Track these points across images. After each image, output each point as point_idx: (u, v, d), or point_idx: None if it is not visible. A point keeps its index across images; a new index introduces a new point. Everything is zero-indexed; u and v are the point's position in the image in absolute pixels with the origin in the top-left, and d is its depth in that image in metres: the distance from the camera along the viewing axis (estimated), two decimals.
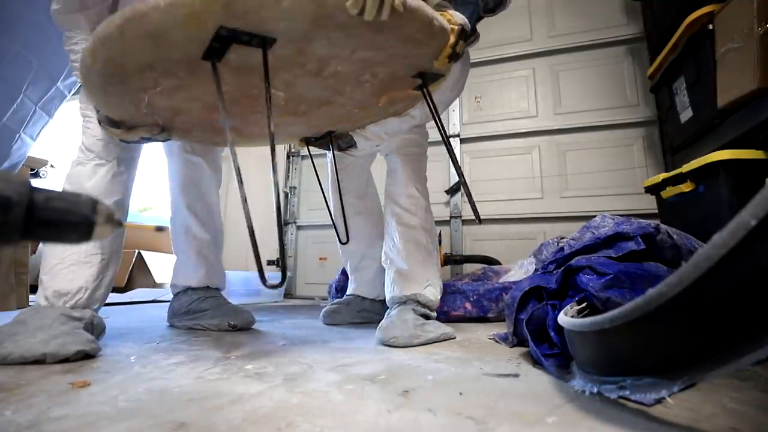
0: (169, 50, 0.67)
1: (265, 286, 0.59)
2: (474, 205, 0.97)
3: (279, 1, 0.61)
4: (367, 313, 1.36)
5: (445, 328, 1.04)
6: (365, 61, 0.83)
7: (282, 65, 0.79)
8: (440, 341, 1.00)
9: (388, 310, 1.09)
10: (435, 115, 0.98)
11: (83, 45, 0.94)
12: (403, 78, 0.94)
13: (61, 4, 0.90)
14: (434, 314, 1.10)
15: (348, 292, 1.43)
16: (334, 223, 1.33)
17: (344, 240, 1.28)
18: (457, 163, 0.97)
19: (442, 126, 1.00)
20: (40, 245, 2.56)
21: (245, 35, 0.66)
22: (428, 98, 0.95)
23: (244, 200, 0.66)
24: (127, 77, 0.73)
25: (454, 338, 1.05)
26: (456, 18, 0.85)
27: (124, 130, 0.92)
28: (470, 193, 0.97)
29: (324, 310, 1.36)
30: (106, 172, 0.95)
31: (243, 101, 0.91)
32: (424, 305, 1.08)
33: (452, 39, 0.84)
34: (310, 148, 1.27)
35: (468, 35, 0.87)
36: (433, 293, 1.11)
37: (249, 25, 0.65)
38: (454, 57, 0.87)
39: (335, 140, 1.23)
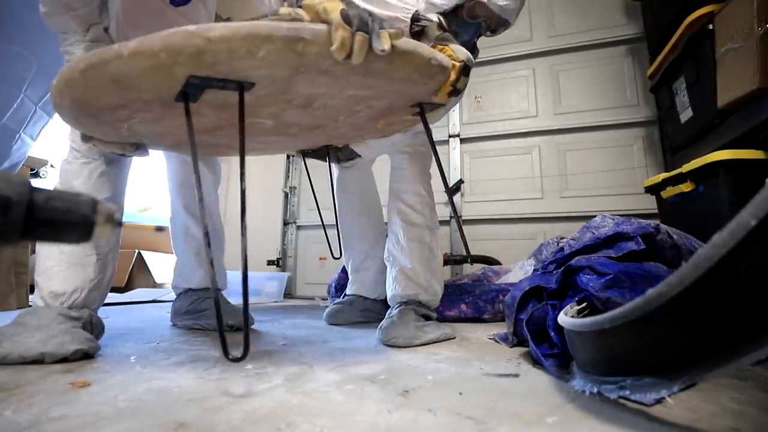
0: (138, 93, 0.63)
1: (228, 357, 0.56)
2: (465, 241, 0.96)
3: (252, 52, 0.55)
4: (369, 312, 1.36)
5: (444, 329, 1.05)
6: (357, 96, 0.77)
7: (266, 102, 0.73)
8: (440, 341, 1.01)
9: (389, 310, 1.09)
10: (431, 143, 0.95)
11: (77, 48, 0.93)
12: (400, 107, 0.89)
13: (47, 6, 0.89)
14: (434, 315, 1.11)
15: (349, 292, 1.43)
16: (327, 238, 1.34)
17: (337, 255, 1.29)
18: (453, 200, 0.95)
19: (439, 161, 0.94)
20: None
21: (219, 81, 0.60)
22: (427, 127, 0.91)
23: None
24: (98, 113, 0.69)
25: (454, 338, 1.05)
26: (458, 54, 0.81)
27: (99, 142, 0.88)
28: (462, 229, 0.96)
29: (327, 310, 1.36)
30: (91, 171, 0.94)
31: (228, 128, 0.86)
32: (424, 306, 1.08)
33: (453, 76, 0.79)
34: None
35: (470, 70, 0.83)
36: (434, 293, 1.11)
37: (221, 73, 0.59)
38: (455, 93, 0.82)
39: (334, 152, 1.23)
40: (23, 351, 0.72)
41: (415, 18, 0.93)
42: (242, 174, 0.63)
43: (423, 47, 0.70)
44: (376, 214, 1.45)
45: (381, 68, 0.66)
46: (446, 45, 0.85)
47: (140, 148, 0.94)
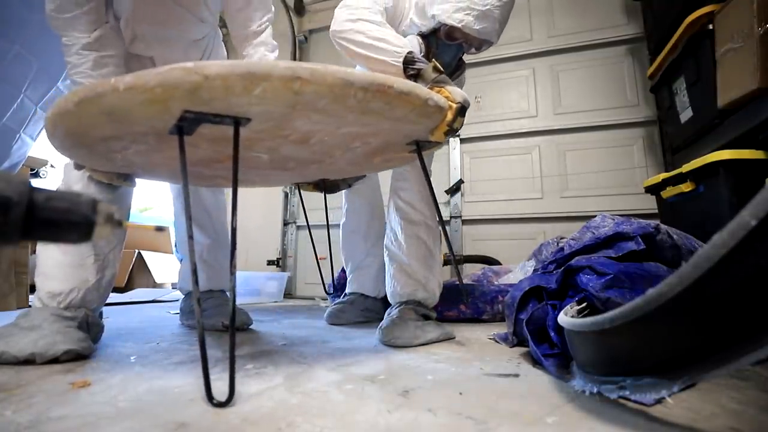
0: (132, 126, 0.62)
1: (211, 402, 0.54)
2: (461, 278, 1.01)
3: (248, 89, 0.55)
4: (370, 312, 1.38)
5: (445, 328, 1.05)
6: (353, 134, 0.78)
7: (262, 137, 0.73)
8: (440, 341, 1.01)
9: (389, 309, 1.09)
10: (427, 178, 0.98)
11: (84, 60, 0.90)
12: (397, 144, 0.90)
13: (56, 2, 0.88)
14: (434, 314, 1.11)
15: (349, 291, 1.44)
16: (321, 276, 1.38)
17: (331, 292, 1.30)
18: (450, 243, 0.99)
19: (431, 188, 0.99)
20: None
21: (215, 117, 0.60)
22: (423, 164, 0.94)
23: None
24: (91, 144, 0.69)
25: (453, 338, 1.05)
26: (455, 95, 0.83)
27: (90, 171, 0.88)
28: (459, 271, 1.03)
29: (328, 310, 1.37)
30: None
31: (225, 160, 0.84)
32: (423, 305, 1.09)
33: (450, 117, 0.82)
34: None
35: (466, 110, 0.86)
36: (432, 291, 1.11)
37: (217, 108, 0.59)
38: (451, 132, 0.84)
39: (343, 182, 1.26)
40: (16, 351, 0.72)
41: (410, 60, 0.94)
42: (234, 208, 0.62)
43: (420, 88, 0.71)
44: (379, 213, 1.46)
45: (378, 107, 0.67)
46: (443, 87, 0.87)
47: (128, 178, 0.94)
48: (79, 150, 0.73)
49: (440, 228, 1.10)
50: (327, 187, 1.25)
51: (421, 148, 0.90)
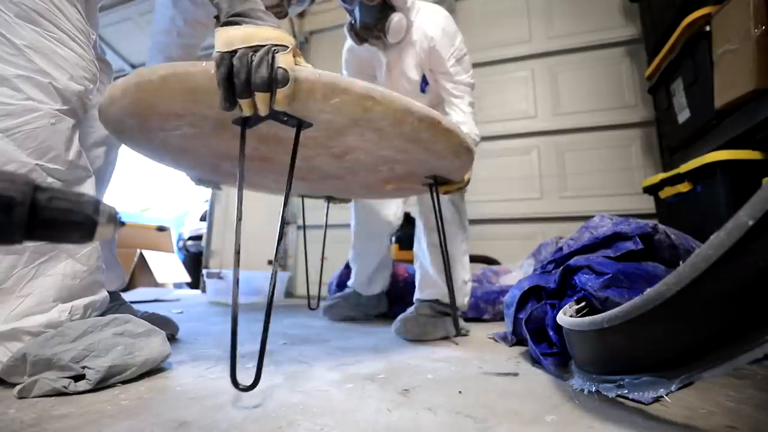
0: (204, 108, 0.65)
1: (237, 387, 0.55)
2: (456, 320, 1.06)
3: (328, 97, 0.60)
4: (363, 307, 1.44)
5: (463, 326, 1.10)
6: (388, 157, 0.87)
7: (309, 144, 0.79)
8: (449, 337, 1.06)
9: (411, 306, 1.16)
10: (439, 214, 1.04)
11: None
12: (417, 175, 1.00)
13: None
14: (457, 311, 1.12)
15: (349, 284, 1.51)
16: (308, 289, 1.45)
17: (314, 307, 1.32)
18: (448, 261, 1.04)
19: (442, 221, 1.05)
20: None
21: (285, 115, 0.63)
22: (436, 198, 1.02)
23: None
24: (149, 117, 0.71)
25: (467, 335, 1.08)
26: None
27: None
28: (456, 314, 1.06)
29: (324, 304, 1.44)
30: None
31: (256, 161, 0.90)
32: (441, 303, 1.14)
33: (468, 176, 1.03)
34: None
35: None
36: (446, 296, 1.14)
37: (291, 109, 0.62)
38: (463, 188, 1.05)
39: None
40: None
41: None
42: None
43: (459, 129, 0.82)
44: (384, 212, 1.48)
45: (425, 138, 0.76)
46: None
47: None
48: (130, 121, 0.73)
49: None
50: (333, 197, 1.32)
51: (437, 184, 1.02)
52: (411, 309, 1.12)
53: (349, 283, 1.50)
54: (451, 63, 1.16)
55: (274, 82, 0.55)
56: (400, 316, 1.08)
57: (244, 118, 0.64)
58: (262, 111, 0.58)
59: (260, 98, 0.56)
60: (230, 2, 0.64)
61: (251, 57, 0.55)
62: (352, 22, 1.18)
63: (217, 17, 0.68)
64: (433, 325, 1.04)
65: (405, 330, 1.03)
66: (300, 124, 0.66)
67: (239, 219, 0.63)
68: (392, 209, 1.43)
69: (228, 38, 0.57)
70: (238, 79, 0.55)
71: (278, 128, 0.69)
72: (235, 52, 0.56)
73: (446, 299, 1.12)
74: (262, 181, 1.11)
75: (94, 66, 0.77)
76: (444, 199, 1.17)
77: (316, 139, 0.76)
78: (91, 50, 0.77)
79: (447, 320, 1.08)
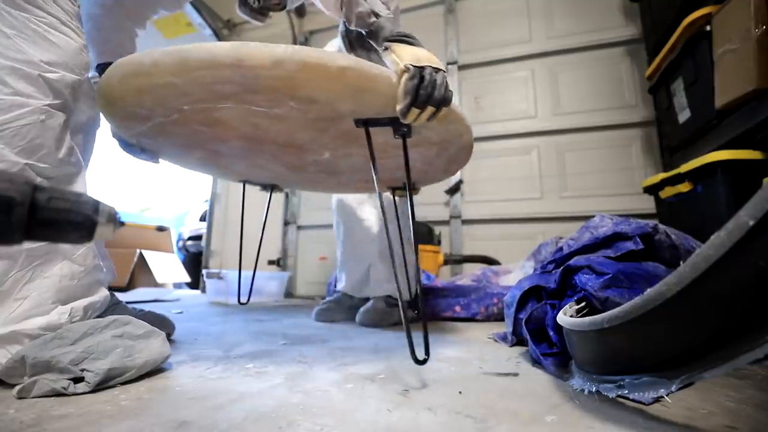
0: (360, 107, 0.69)
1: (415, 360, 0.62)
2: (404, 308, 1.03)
3: (443, 122, 0.71)
4: (356, 309, 1.44)
5: (407, 314, 1.20)
6: (400, 164, 0.89)
7: (379, 146, 0.79)
8: (401, 323, 1.16)
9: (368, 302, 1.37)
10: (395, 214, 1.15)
11: None
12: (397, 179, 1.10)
13: None
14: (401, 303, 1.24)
15: (339, 288, 1.52)
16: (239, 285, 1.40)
17: (243, 301, 1.30)
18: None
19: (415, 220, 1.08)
20: None
21: (407, 126, 0.71)
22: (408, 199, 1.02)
23: None
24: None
25: (418, 321, 1.14)
26: (403, 57, 0.96)
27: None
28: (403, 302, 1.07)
29: (316, 308, 1.44)
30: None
31: (291, 148, 0.89)
32: (393, 297, 1.38)
33: (400, 88, 0.98)
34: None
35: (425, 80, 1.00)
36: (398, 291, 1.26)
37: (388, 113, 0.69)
38: (408, 112, 0.99)
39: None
40: None
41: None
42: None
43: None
44: (364, 217, 1.50)
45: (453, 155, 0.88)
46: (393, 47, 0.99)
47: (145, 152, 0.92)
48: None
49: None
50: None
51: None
52: (369, 303, 1.35)
53: (339, 287, 1.51)
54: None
55: (444, 101, 0.66)
56: (361, 309, 1.32)
57: (366, 120, 0.71)
58: (422, 120, 0.67)
59: (429, 111, 0.66)
60: (392, 24, 0.80)
61: (434, 75, 0.65)
62: (347, 32, 1.21)
63: (368, 33, 0.82)
64: (388, 314, 1.30)
65: (365, 320, 1.28)
66: (409, 135, 0.72)
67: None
68: (374, 215, 1.44)
69: (416, 56, 0.67)
70: (425, 91, 0.64)
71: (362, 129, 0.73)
72: (422, 68, 0.65)
73: (396, 294, 1.17)
74: (252, 168, 1.08)
75: (87, 53, 0.75)
76: (396, 200, 1.26)
77: (390, 144, 0.79)
78: (84, 35, 0.75)
79: (398, 310, 1.29)
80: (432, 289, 1.52)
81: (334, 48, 1.41)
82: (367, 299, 1.49)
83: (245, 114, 0.71)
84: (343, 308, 1.45)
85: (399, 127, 0.70)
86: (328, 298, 1.52)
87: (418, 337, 0.68)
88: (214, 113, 0.71)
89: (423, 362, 0.64)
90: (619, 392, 0.48)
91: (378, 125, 0.71)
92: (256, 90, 0.63)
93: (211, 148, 0.90)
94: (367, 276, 1.46)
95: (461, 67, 2.53)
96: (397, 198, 1.22)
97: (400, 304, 0.68)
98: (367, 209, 1.48)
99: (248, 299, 1.28)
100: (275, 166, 1.01)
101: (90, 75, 0.82)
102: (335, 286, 1.73)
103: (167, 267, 3.05)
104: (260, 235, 1.29)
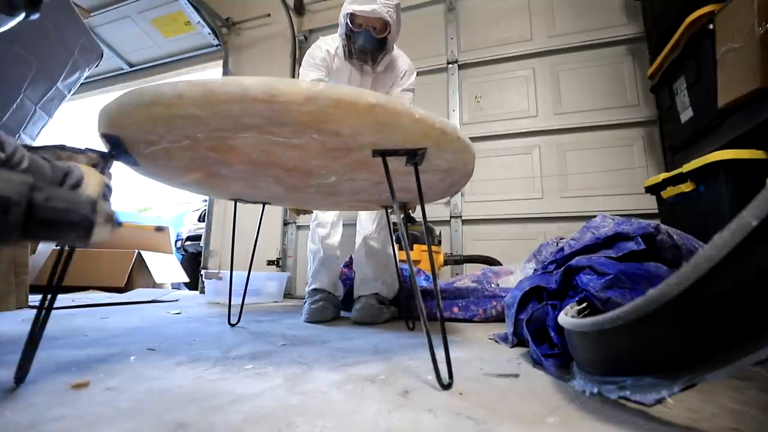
0: (349, 140, 0.70)
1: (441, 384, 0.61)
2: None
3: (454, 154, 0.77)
4: (338, 308, 1.53)
5: (392, 310, 1.47)
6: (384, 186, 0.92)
7: (381, 171, 0.79)
8: (393, 319, 1.42)
9: (357, 300, 1.44)
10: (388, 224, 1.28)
11: None
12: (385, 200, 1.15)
13: None
14: (388, 300, 1.50)
15: (319, 286, 1.51)
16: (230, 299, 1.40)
17: (234, 322, 1.30)
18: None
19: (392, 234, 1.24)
20: (40, 245, 2.56)
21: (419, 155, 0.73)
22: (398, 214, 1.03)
23: None
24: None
25: (401, 317, 1.20)
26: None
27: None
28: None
29: (309, 309, 1.41)
30: None
31: (297, 172, 0.87)
32: (381, 296, 1.47)
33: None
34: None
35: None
36: (385, 291, 1.48)
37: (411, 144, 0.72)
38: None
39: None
40: None
41: None
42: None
43: None
44: (333, 239, 1.59)
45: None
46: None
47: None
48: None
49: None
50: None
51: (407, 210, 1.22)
52: (363, 302, 1.40)
53: (316, 286, 1.50)
54: (406, 86, 1.54)
55: None
56: (356, 307, 1.40)
57: (383, 151, 0.73)
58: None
59: None
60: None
61: None
62: (348, 39, 1.38)
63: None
64: (381, 311, 1.39)
65: (362, 316, 1.35)
66: (420, 163, 0.76)
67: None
68: (337, 236, 1.58)
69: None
70: None
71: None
72: None
73: (383, 293, 1.47)
74: (251, 190, 1.06)
75: None
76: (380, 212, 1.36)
77: (397, 170, 0.80)
78: None
79: (386, 307, 1.43)
80: (429, 291, 1.52)
81: (333, 45, 1.48)
82: (345, 297, 1.62)
83: (260, 142, 0.71)
84: (332, 307, 1.46)
85: (412, 157, 0.73)
86: (315, 297, 1.47)
87: (417, 338, 0.67)
88: (228, 141, 0.70)
89: (448, 386, 0.63)
90: (621, 393, 0.48)
91: (395, 155, 0.73)
92: (283, 123, 0.63)
93: (212, 171, 0.88)
94: (338, 281, 1.59)
95: (462, 66, 2.53)
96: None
97: (422, 319, 0.70)
98: (335, 232, 1.59)
99: (239, 317, 1.32)
100: (274, 187, 0.99)
101: None
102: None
103: (165, 267, 3.05)
104: (254, 239, 1.28)
